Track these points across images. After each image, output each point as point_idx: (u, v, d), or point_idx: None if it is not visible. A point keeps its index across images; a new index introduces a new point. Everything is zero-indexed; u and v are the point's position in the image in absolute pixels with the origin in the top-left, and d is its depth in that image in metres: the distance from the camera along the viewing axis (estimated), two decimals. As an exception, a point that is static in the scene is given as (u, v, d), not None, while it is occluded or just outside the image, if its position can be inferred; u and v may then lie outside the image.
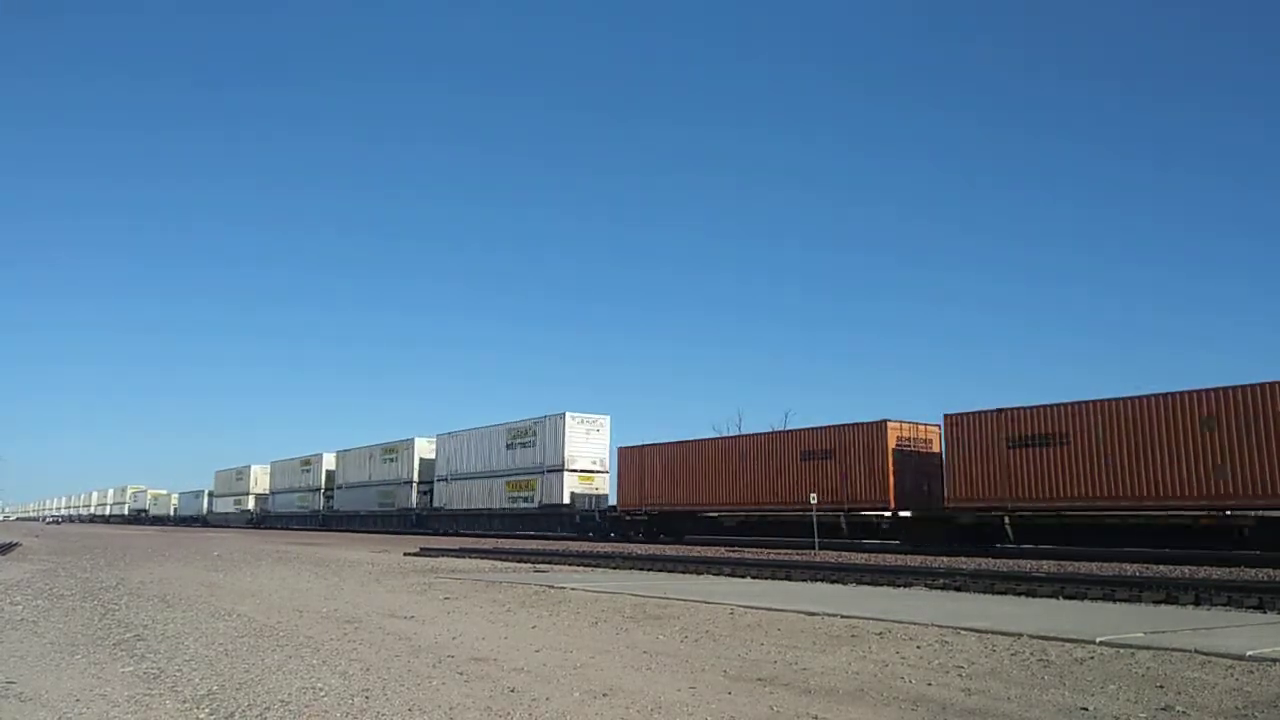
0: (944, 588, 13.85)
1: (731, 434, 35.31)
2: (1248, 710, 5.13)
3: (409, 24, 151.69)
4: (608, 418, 43.81)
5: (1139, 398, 21.57)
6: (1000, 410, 24.31)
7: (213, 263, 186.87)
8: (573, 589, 13.19)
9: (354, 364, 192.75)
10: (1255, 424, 19.39)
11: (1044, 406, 23.39)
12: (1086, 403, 22.53)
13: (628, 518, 36.52)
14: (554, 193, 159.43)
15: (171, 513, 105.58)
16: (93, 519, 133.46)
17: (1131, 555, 20.13)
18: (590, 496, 41.47)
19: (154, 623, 9.54)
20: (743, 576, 16.44)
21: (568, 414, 42.75)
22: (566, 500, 41.57)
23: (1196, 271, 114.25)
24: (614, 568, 19.80)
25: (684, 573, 17.83)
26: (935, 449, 27.39)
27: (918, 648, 7.42)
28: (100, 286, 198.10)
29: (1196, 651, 6.83)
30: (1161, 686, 5.75)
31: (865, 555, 23.04)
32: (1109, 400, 22.09)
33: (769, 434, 32.75)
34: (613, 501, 39.59)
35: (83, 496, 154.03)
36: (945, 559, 20.99)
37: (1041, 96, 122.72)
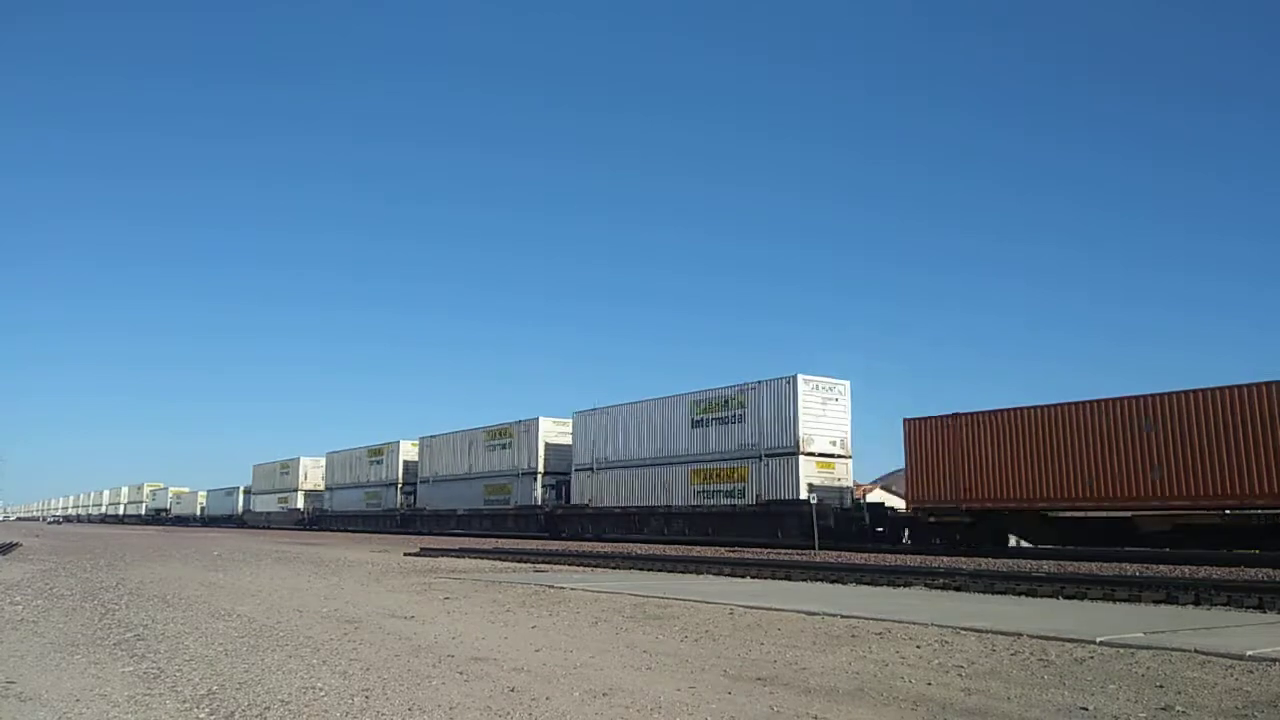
0: (944, 587, 13.85)
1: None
2: (1248, 710, 5.13)
3: (409, 24, 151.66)
4: (847, 383, 31.95)
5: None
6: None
7: (213, 263, 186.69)
8: (573, 589, 13.19)
9: (352, 363, 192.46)
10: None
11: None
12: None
13: (932, 520, 25.78)
14: (553, 193, 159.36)
15: (198, 512, 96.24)
16: (104, 519, 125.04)
17: (1132, 555, 20.12)
18: (829, 490, 29.43)
19: (154, 622, 9.53)
20: (743, 576, 16.44)
21: (800, 377, 30.76)
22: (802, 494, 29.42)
23: (1196, 271, 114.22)
24: (614, 568, 19.79)
25: (684, 573, 17.83)
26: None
27: (918, 647, 7.42)
28: (100, 286, 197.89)
29: (1196, 651, 6.83)
30: (1161, 686, 5.75)
31: (865, 555, 23.02)
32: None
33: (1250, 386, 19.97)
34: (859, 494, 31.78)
35: (92, 495, 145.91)
36: (945, 559, 20.98)
37: (1042, 96, 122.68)
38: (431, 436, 53.75)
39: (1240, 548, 20.35)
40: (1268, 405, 19.33)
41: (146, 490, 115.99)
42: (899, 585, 14.30)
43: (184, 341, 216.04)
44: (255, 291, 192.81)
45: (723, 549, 26.87)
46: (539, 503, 42.58)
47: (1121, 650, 7.09)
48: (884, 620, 9.04)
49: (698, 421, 34.11)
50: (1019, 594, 12.61)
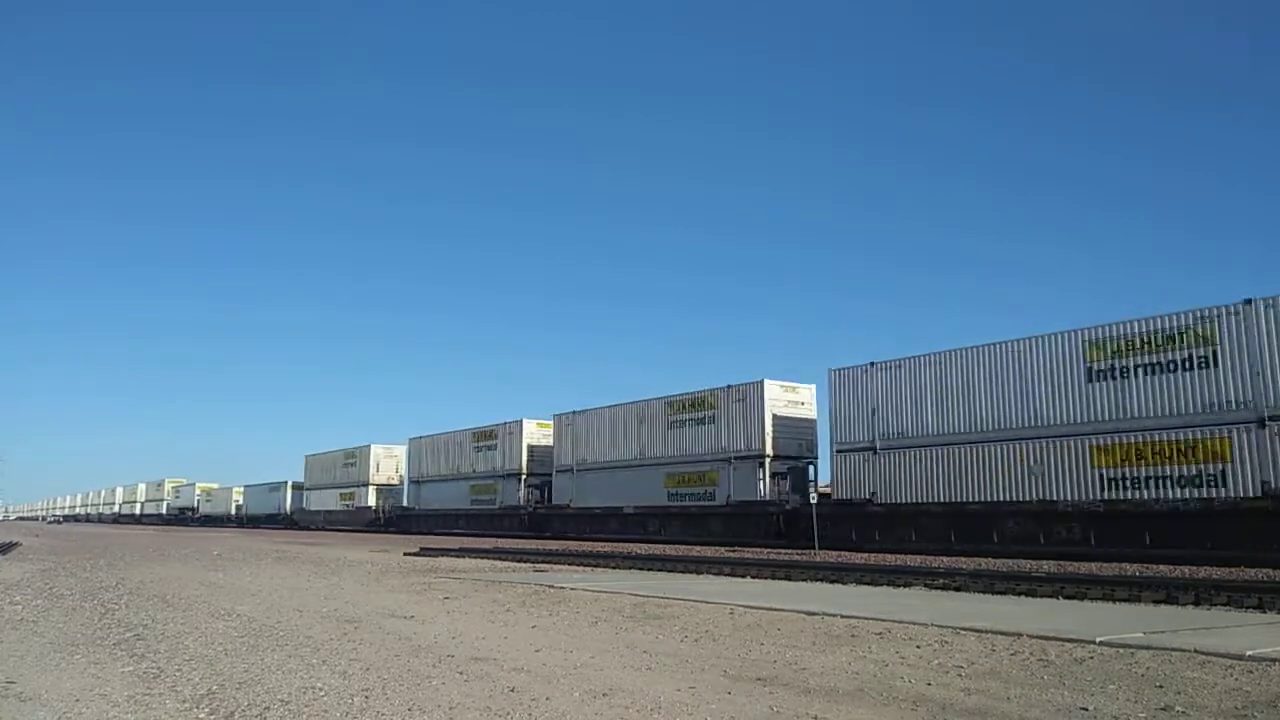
0: (944, 587, 13.85)
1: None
2: (1248, 710, 5.13)
3: (409, 24, 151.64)
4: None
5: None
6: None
7: (213, 263, 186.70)
8: (573, 589, 13.19)
9: (352, 363, 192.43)
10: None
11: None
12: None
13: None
14: (553, 193, 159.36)
15: (233, 511, 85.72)
16: (118, 519, 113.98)
17: (1132, 555, 20.07)
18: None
19: (154, 622, 9.53)
20: (743, 576, 16.44)
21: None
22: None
23: (1196, 271, 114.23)
24: (614, 567, 19.80)
25: (684, 573, 17.83)
26: None
27: (917, 648, 7.42)
28: (100, 286, 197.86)
29: (1196, 651, 6.83)
30: (1161, 686, 5.75)
31: (865, 555, 23.02)
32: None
33: None
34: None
35: (103, 494, 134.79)
36: (945, 559, 20.97)
37: (1042, 96, 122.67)
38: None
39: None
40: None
41: (168, 487, 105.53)
42: (899, 585, 14.31)
43: (184, 341, 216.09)
44: (255, 291, 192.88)
45: (722, 549, 27.02)
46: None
47: (1121, 650, 7.09)
48: (884, 620, 9.04)
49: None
50: (1019, 594, 12.61)
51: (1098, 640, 7.43)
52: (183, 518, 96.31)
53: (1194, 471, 20.11)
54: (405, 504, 54.93)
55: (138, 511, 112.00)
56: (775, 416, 31.55)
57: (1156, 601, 11.71)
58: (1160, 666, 6.42)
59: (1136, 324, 21.27)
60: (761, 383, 31.80)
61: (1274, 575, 14.71)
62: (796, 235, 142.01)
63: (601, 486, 37.99)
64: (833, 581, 15.12)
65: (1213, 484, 19.62)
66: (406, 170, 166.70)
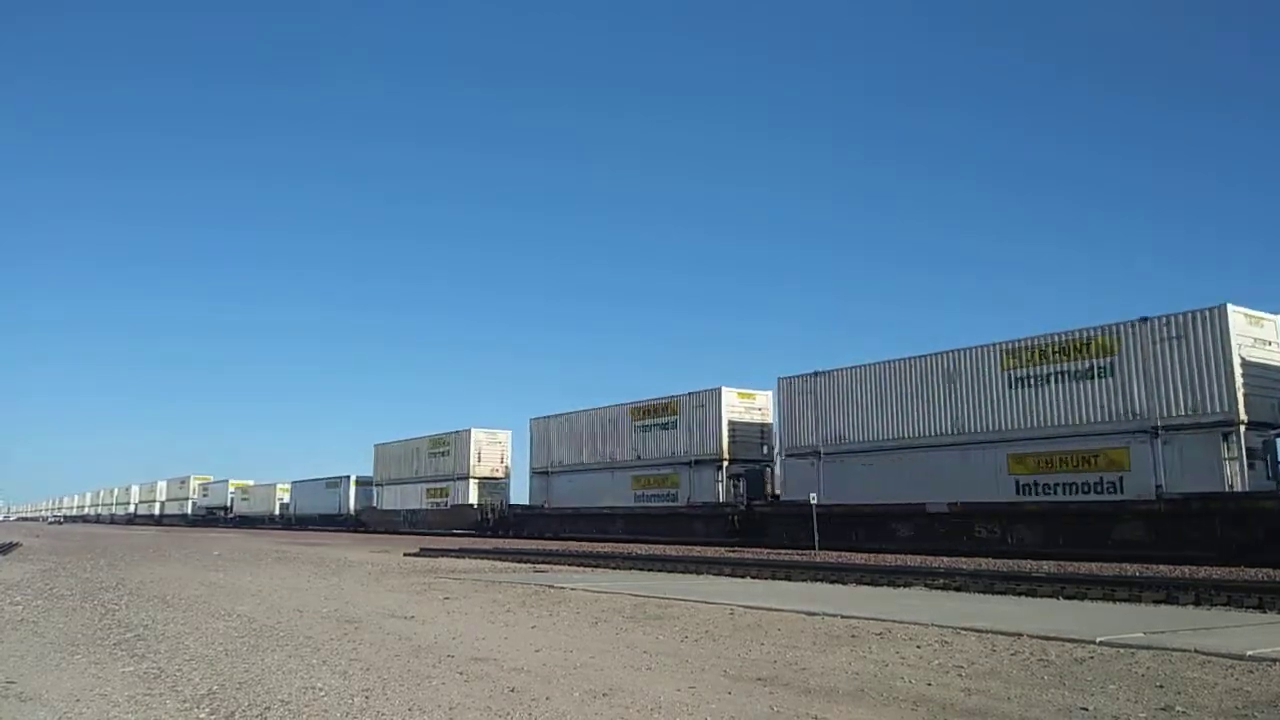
0: (944, 588, 13.85)
1: None
2: (1248, 710, 5.13)
3: (409, 24, 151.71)
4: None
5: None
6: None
7: (213, 263, 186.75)
8: (572, 589, 13.19)
9: (351, 362, 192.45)
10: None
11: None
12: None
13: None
14: (553, 192, 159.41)
15: (277, 511, 74.59)
16: (133, 520, 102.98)
17: (1132, 555, 20.07)
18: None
19: (154, 622, 9.53)
20: (742, 576, 16.43)
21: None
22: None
23: (1196, 271, 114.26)
24: (614, 568, 19.79)
25: (684, 573, 17.83)
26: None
27: (918, 648, 7.42)
28: (100, 286, 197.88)
29: (1196, 651, 6.83)
30: (1161, 686, 5.75)
31: (865, 555, 23.02)
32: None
33: None
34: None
35: (116, 492, 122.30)
36: (945, 559, 20.96)
37: (1042, 96, 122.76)
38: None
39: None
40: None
41: (194, 484, 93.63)
42: (899, 585, 14.30)
43: (184, 341, 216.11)
44: (255, 291, 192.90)
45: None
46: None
47: (1121, 650, 7.09)
48: (884, 620, 9.03)
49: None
50: (1019, 594, 12.61)
51: (1098, 640, 7.43)
52: (212, 518, 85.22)
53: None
54: (530, 501, 42.39)
55: (157, 512, 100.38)
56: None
57: (1156, 601, 11.71)
58: (1160, 666, 6.42)
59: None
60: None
61: (1274, 575, 14.71)
62: (796, 235, 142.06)
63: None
64: (833, 581, 15.11)
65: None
66: (406, 170, 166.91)
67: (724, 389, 32.64)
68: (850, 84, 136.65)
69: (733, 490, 31.85)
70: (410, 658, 7.09)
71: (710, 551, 25.53)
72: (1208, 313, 20.00)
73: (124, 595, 12.83)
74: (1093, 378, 21.59)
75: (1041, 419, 22.41)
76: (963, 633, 8.17)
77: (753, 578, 16.09)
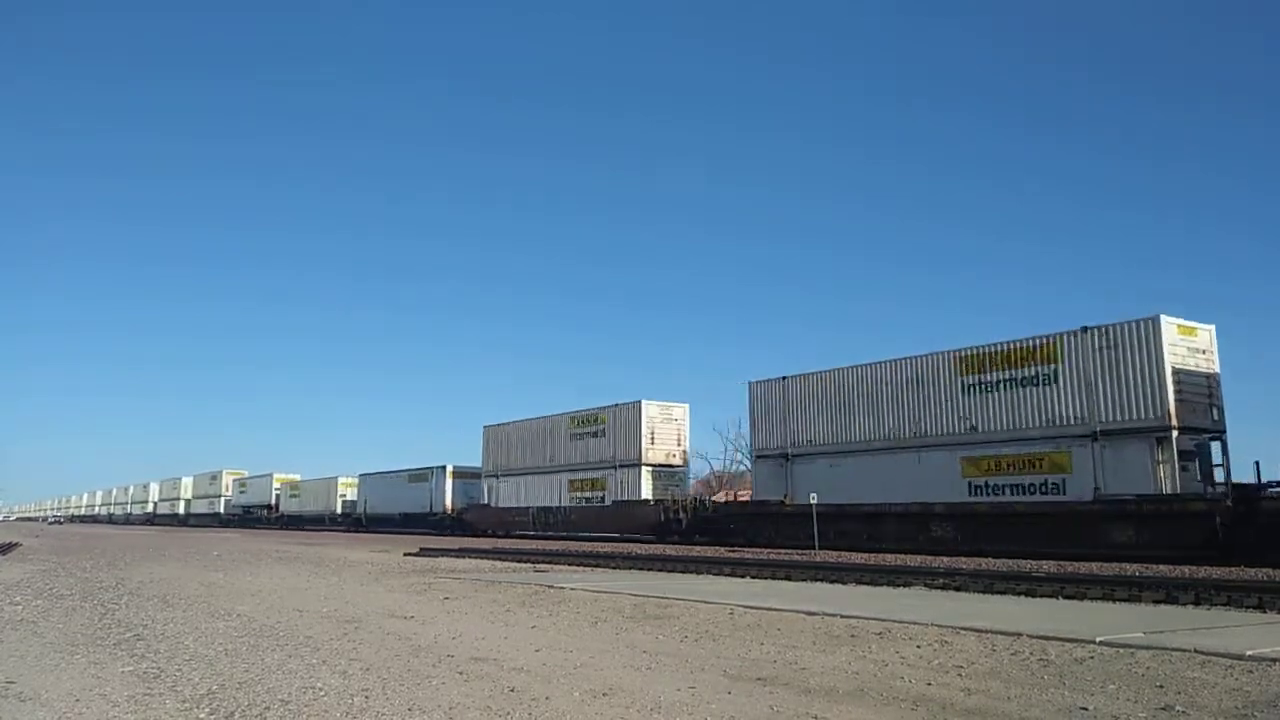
0: (943, 587, 13.85)
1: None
2: (1248, 710, 5.13)
3: (408, 24, 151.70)
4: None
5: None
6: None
7: (213, 263, 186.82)
8: (572, 589, 13.19)
9: (351, 362, 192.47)
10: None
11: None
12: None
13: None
14: (552, 193, 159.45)
15: (338, 509, 63.44)
16: (152, 520, 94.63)
17: (1132, 555, 20.09)
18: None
19: (154, 622, 9.53)
20: (742, 576, 16.44)
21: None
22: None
23: (1196, 271, 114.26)
24: (614, 568, 19.79)
25: (684, 572, 17.83)
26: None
27: (917, 647, 7.42)
28: (102, 286, 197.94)
29: (1196, 651, 6.83)
30: (1161, 686, 5.75)
31: (864, 555, 23.03)
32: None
33: None
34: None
35: (132, 490, 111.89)
36: (945, 559, 20.98)
37: (1041, 96, 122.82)
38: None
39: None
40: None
41: (226, 480, 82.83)
42: (899, 585, 14.30)
43: (185, 341, 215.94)
44: (255, 291, 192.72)
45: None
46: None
47: (1121, 650, 7.09)
48: (884, 620, 9.04)
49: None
50: (1019, 594, 12.61)
51: (1098, 640, 7.43)
52: (252, 518, 75.24)
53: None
54: (759, 495, 30.37)
55: (182, 511, 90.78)
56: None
57: (1156, 601, 11.70)
58: (1160, 666, 6.42)
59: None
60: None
61: (1274, 575, 14.72)
62: (796, 235, 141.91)
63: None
64: (833, 581, 15.11)
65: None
66: (406, 170, 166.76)
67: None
68: (850, 84, 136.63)
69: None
70: (410, 657, 7.09)
71: (710, 551, 25.58)
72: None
73: (123, 595, 12.83)
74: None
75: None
76: (962, 632, 8.17)
77: (753, 577, 16.09)
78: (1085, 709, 5.18)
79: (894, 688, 5.81)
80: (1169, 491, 19.85)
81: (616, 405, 37.58)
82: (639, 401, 36.53)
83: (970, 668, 6.51)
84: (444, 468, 51.39)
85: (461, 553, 25.92)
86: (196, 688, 5.95)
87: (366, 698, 5.55)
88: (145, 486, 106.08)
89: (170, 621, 9.62)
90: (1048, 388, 22.39)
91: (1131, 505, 20.27)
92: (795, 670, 6.46)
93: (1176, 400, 20.09)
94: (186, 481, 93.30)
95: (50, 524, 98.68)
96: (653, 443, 36.11)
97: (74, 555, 25.38)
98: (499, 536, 40.96)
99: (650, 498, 34.82)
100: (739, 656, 7.07)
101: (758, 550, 25.97)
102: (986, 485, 23.32)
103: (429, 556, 24.62)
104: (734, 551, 25.57)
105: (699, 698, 5.55)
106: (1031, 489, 22.38)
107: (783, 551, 25.04)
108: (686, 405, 37.53)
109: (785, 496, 28.34)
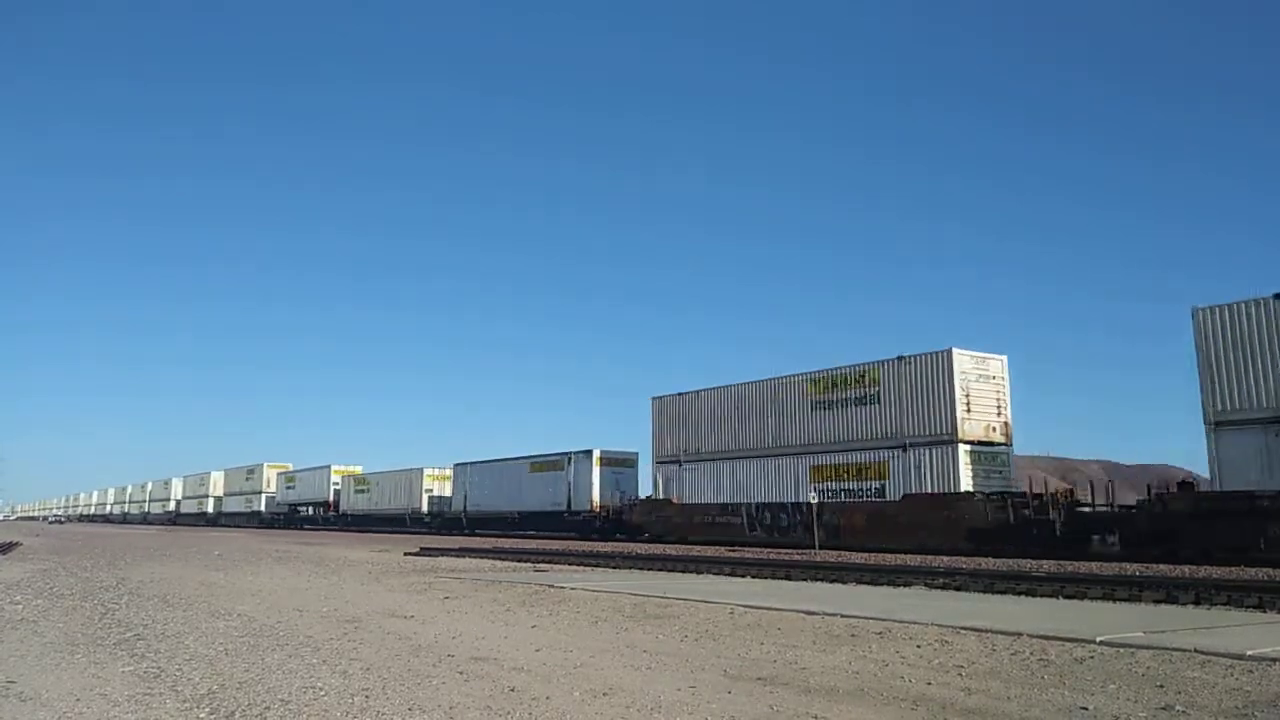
0: (944, 587, 13.85)
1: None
2: (1248, 710, 5.13)
3: (406, 24, 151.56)
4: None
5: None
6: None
7: (214, 262, 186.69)
8: (573, 589, 13.20)
9: (350, 361, 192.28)
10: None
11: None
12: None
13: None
14: (551, 194, 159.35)
15: (422, 507, 53.29)
16: (175, 521, 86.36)
17: (1131, 555, 20.09)
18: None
19: (154, 622, 9.53)
20: (743, 576, 16.44)
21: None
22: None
23: (1195, 271, 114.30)
24: (614, 567, 19.80)
25: (684, 572, 17.84)
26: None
27: (918, 647, 7.42)
28: (101, 286, 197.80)
29: (1196, 651, 6.83)
30: (1161, 686, 5.75)
31: (864, 555, 23.04)
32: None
33: None
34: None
35: (150, 487, 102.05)
36: (945, 559, 20.99)
37: (1039, 95, 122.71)
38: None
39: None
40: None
41: (268, 474, 73.21)
42: (899, 585, 14.30)
43: (186, 341, 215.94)
44: (254, 291, 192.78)
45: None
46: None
47: (1121, 650, 7.09)
48: (884, 620, 9.04)
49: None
50: (1019, 594, 12.61)
51: (1098, 640, 7.43)
52: (302, 518, 67.22)
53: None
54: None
55: (210, 509, 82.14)
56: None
57: (1157, 601, 11.70)
58: (1161, 666, 6.42)
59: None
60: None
61: (1273, 575, 14.71)
62: (796, 235, 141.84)
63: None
64: (833, 581, 15.11)
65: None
66: (406, 170, 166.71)
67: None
68: (850, 84, 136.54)
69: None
70: (410, 657, 7.09)
71: (710, 551, 25.63)
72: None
73: (124, 595, 12.83)
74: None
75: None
76: (962, 632, 8.17)
77: (753, 577, 16.10)
78: (1085, 709, 5.18)
79: (894, 687, 5.81)
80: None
81: (903, 358, 27.20)
82: (949, 349, 26.28)
83: (970, 667, 6.50)
84: (589, 452, 40.30)
85: (462, 552, 25.93)
86: (197, 687, 5.95)
87: (367, 697, 5.55)
88: (166, 483, 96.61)
89: (170, 621, 9.62)
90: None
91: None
92: (795, 670, 6.45)
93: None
94: (216, 477, 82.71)
95: (51, 523, 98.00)
96: (969, 410, 25.76)
97: (74, 555, 25.38)
98: (688, 543, 30.87)
99: (973, 489, 24.97)
100: (739, 656, 7.07)
101: (757, 550, 26.06)
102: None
103: (429, 556, 24.62)
104: (734, 551, 25.62)
105: (699, 697, 5.55)
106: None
107: (783, 551, 25.13)
108: (1004, 358, 27.23)
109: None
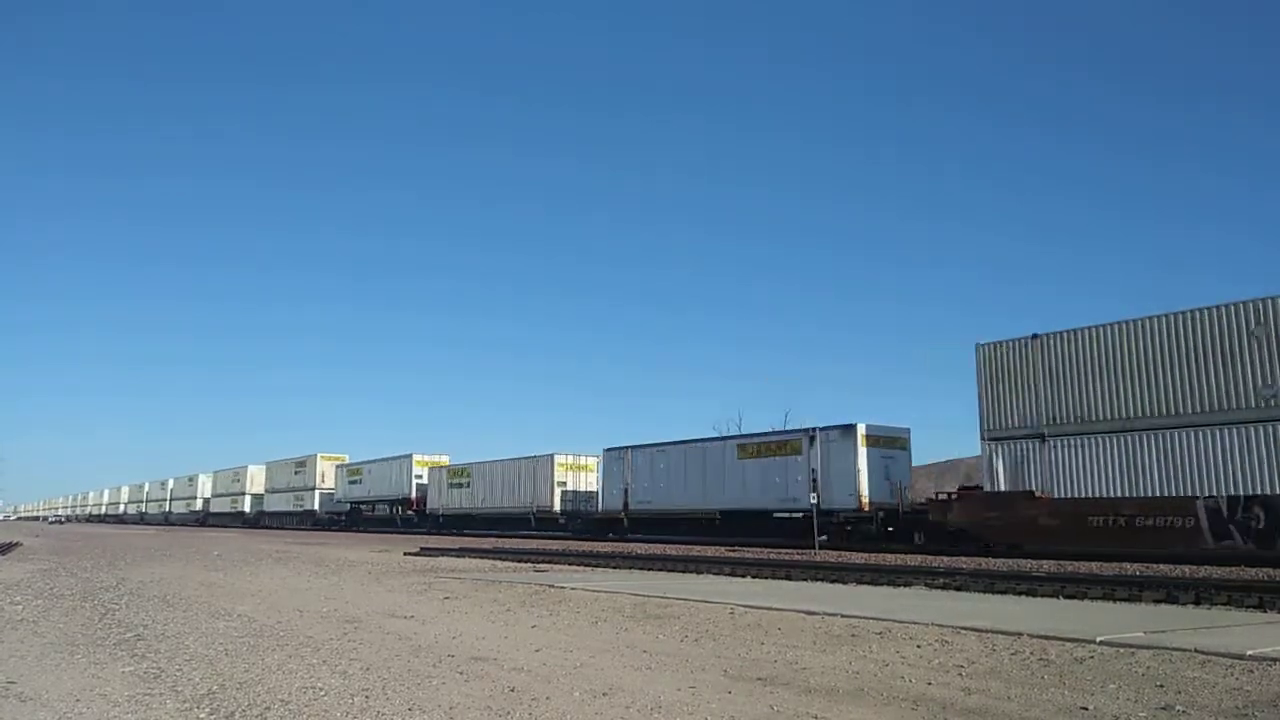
0: (944, 587, 13.85)
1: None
2: (1248, 710, 5.13)
3: (405, 24, 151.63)
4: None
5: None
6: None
7: (215, 263, 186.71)
8: (573, 589, 13.20)
9: (350, 362, 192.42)
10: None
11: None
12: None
13: None
14: (551, 194, 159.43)
15: (553, 505, 42.80)
16: (203, 521, 79.70)
17: (1132, 555, 20.12)
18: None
19: (154, 622, 9.54)
20: (743, 576, 16.44)
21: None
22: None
23: (1192, 274, 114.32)
24: (614, 567, 19.80)
25: (684, 572, 17.84)
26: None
27: (918, 647, 7.42)
28: (101, 287, 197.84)
29: (1197, 651, 6.83)
30: (1162, 686, 5.75)
31: (865, 555, 23.05)
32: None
33: None
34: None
35: (171, 485, 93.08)
36: (945, 559, 20.99)
37: (1039, 95, 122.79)
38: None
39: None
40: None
41: (322, 467, 63.47)
42: (899, 585, 14.31)
43: (186, 341, 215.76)
44: (255, 291, 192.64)
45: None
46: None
47: (1122, 650, 7.09)
48: (884, 620, 9.04)
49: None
50: (1019, 593, 12.62)
51: (1098, 640, 7.44)
52: (368, 518, 57.95)
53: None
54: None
55: (247, 509, 72.78)
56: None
57: (1157, 601, 11.71)
58: (1161, 666, 6.42)
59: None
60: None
61: (1274, 575, 14.72)
62: (796, 235, 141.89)
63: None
64: (833, 581, 15.12)
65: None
66: (405, 170, 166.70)
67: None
68: (850, 83, 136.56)
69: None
70: (410, 657, 7.09)
71: (710, 551, 25.67)
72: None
73: (124, 595, 12.83)
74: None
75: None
76: (963, 632, 8.17)
77: (753, 577, 16.10)
78: (1086, 709, 5.18)
79: (894, 687, 5.81)
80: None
81: None
82: None
83: (971, 667, 6.51)
84: (849, 428, 29.27)
85: (462, 552, 25.94)
86: (197, 688, 5.95)
87: (367, 697, 5.55)
88: (192, 479, 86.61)
89: (170, 621, 9.62)
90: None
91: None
92: (795, 670, 6.46)
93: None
94: (254, 471, 73.23)
95: (51, 523, 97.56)
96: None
97: (74, 555, 25.38)
98: (1073, 557, 21.17)
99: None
100: (739, 656, 7.07)
101: (758, 550, 26.09)
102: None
103: (429, 556, 24.62)
104: (734, 551, 25.66)
105: (699, 697, 5.55)
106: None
107: (782, 551, 25.14)
108: None
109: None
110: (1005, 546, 23.21)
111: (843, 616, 9.35)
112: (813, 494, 27.18)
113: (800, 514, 29.10)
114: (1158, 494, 20.22)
